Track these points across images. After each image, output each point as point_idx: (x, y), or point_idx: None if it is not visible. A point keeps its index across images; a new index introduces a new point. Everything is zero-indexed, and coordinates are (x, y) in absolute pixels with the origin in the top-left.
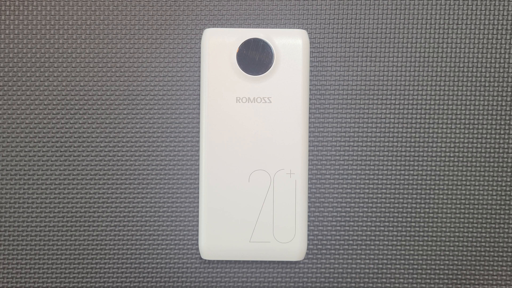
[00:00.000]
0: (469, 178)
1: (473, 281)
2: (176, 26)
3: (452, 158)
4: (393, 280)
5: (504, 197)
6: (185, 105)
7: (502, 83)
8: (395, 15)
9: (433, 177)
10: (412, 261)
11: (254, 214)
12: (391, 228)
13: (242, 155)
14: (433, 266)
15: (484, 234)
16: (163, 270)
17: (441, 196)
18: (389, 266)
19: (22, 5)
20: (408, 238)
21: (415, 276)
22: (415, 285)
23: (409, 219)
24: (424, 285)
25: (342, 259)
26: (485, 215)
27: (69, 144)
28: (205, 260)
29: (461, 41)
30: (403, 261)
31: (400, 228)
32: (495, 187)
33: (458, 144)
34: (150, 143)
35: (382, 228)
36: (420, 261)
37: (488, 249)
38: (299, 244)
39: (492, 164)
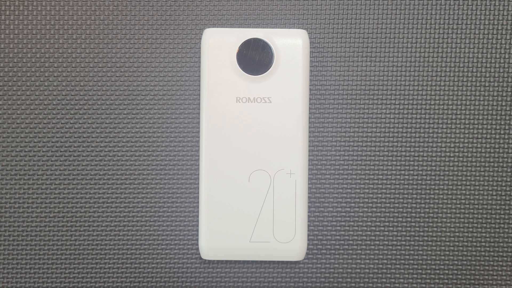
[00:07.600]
0: (469, 178)
1: (473, 281)
2: (176, 26)
3: (452, 158)
4: (393, 280)
5: (504, 197)
6: (185, 105)
7: (502, 83)
8: (395, 15)
9: (433, 177)
10: (412, 261)
11: (254, 214)
12: (391, 228)
13: (242, 155)
14: (433, 266)
15: (484, 234)
16: (163, 270)
17: (441, 196)
18: (389, 266)
19: (22, 5)
20: (408, 238)
21: (415, 276)
22: (415, 285)
23: (409, 219)
24: (424, 285)
25: (342, 259)
26: (485, 215)
27: (69, 144)
28: (205, 260)
29: (461, 41)
30: (403, 261)
31: (400, 228)
32: (495, 187)
33: (458, 144)
34: (150, 143)
35: (382, 228)
36: (420, 261)
37: (488, 249)
38: (299, 244)
39: (492, 164)
